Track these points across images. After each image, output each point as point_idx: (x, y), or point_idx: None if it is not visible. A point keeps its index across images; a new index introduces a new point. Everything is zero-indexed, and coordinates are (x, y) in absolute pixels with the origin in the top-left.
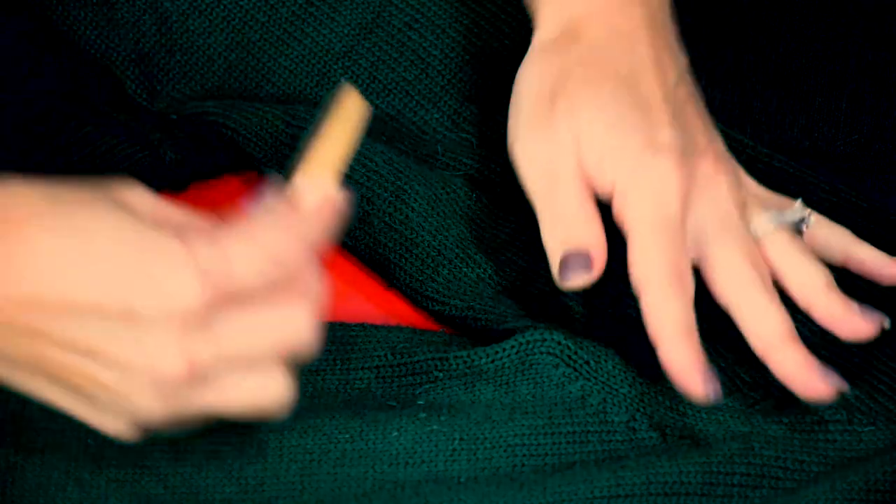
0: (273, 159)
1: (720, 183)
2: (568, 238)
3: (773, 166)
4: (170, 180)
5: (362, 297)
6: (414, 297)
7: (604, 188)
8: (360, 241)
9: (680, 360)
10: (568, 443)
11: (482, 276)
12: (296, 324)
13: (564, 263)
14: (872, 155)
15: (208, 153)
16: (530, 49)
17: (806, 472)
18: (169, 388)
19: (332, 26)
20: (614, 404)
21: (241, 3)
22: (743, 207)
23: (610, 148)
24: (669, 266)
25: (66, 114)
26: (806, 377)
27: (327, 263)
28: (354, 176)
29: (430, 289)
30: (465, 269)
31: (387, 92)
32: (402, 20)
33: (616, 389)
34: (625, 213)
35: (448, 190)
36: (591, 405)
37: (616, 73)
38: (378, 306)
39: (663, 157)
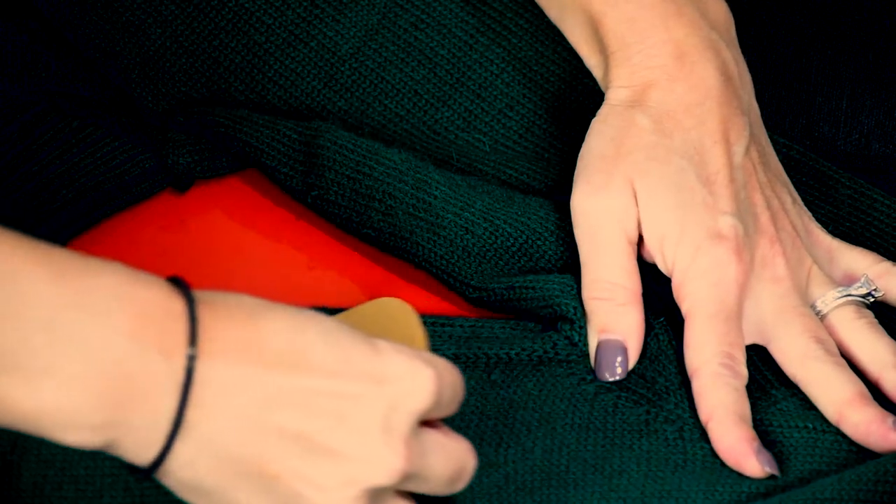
0: (286, 167)
1: (777, 265)
2: (604, 323)
3: (791, 157)
4: (172, 181)
5: (388, 288)
6: (447, 282)
7: (664, 266)
8: (385, 232)
9: (729, 443)
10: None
11: (513, 247)
12: (466, 453)
13: (599, 351)
14: (872, 155)
15: (212, 155)
16: (604, 104)
17: (822, 475)
18: (375, 486)
19: (337, 28)
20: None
21: (246, 4)
22: (804, 283)
23: (671, 230)
24: (722, 354)
25: (68, 114)
26: (881, 435)
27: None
28: (374, 174)
29: (464, 273)
30: (496, 245)
31: (395, 93)
32: (408, 20)
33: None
34: (682, 298)
35: (469, 181)
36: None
37: (683, 150)
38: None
39: (723, 246)
